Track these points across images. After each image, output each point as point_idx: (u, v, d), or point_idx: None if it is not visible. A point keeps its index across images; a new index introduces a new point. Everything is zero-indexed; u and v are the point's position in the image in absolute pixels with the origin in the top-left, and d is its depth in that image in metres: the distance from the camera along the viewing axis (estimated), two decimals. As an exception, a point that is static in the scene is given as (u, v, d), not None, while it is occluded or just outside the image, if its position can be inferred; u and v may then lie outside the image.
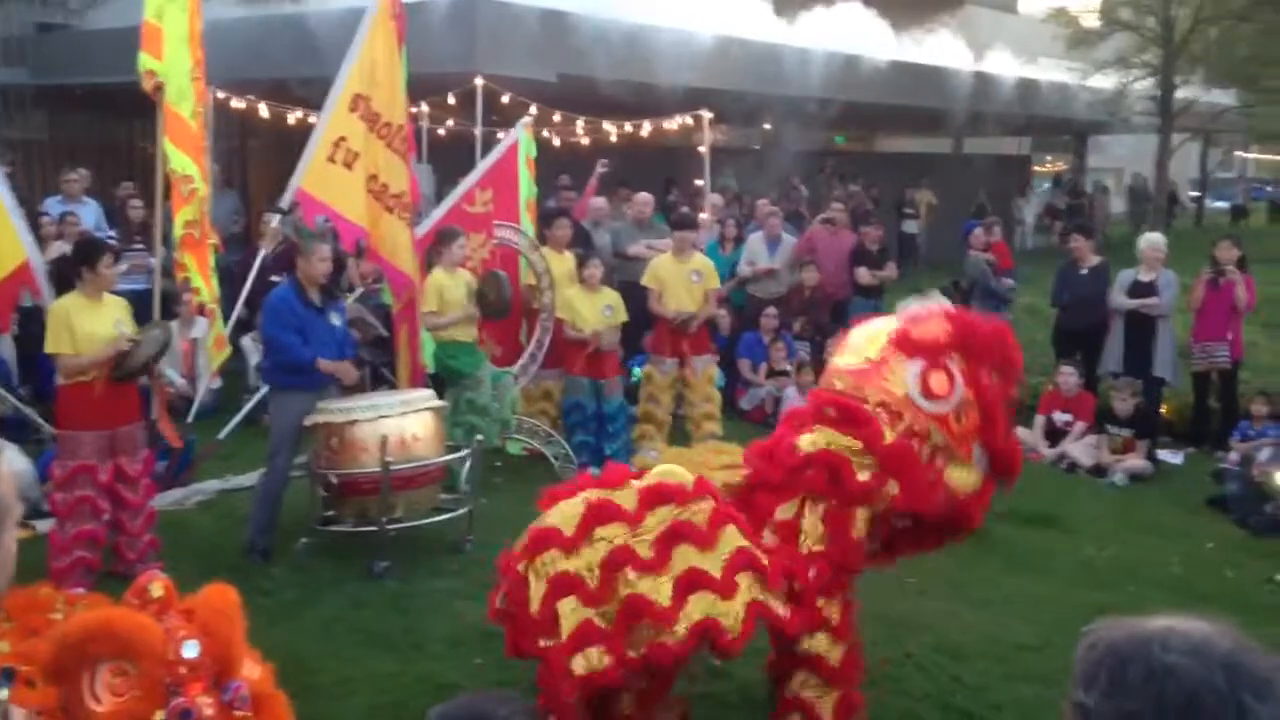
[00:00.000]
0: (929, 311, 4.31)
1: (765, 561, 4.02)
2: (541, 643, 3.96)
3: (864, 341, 4.38)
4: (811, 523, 4.18)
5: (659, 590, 3.88)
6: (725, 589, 3.90)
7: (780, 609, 4.03)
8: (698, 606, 3.87)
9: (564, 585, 3.95)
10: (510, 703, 1.44)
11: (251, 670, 3.81)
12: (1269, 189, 39.57)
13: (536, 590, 4.00)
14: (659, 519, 4.00)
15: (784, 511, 4.24)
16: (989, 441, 4.26)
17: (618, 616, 3.90)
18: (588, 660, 3.86)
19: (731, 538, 4.00)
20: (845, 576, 4.23)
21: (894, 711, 4.75)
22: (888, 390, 4.16)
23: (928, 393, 4.13)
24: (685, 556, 3.93)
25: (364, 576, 6.19)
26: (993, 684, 5.02)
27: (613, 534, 3.99)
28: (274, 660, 4.05)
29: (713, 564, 3.93)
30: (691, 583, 3.89)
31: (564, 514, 4.10)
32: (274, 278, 8.20)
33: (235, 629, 3.78)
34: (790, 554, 4.15)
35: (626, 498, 4.08)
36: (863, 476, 4.11)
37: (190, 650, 3.56)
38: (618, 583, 3.91)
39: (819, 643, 4.18)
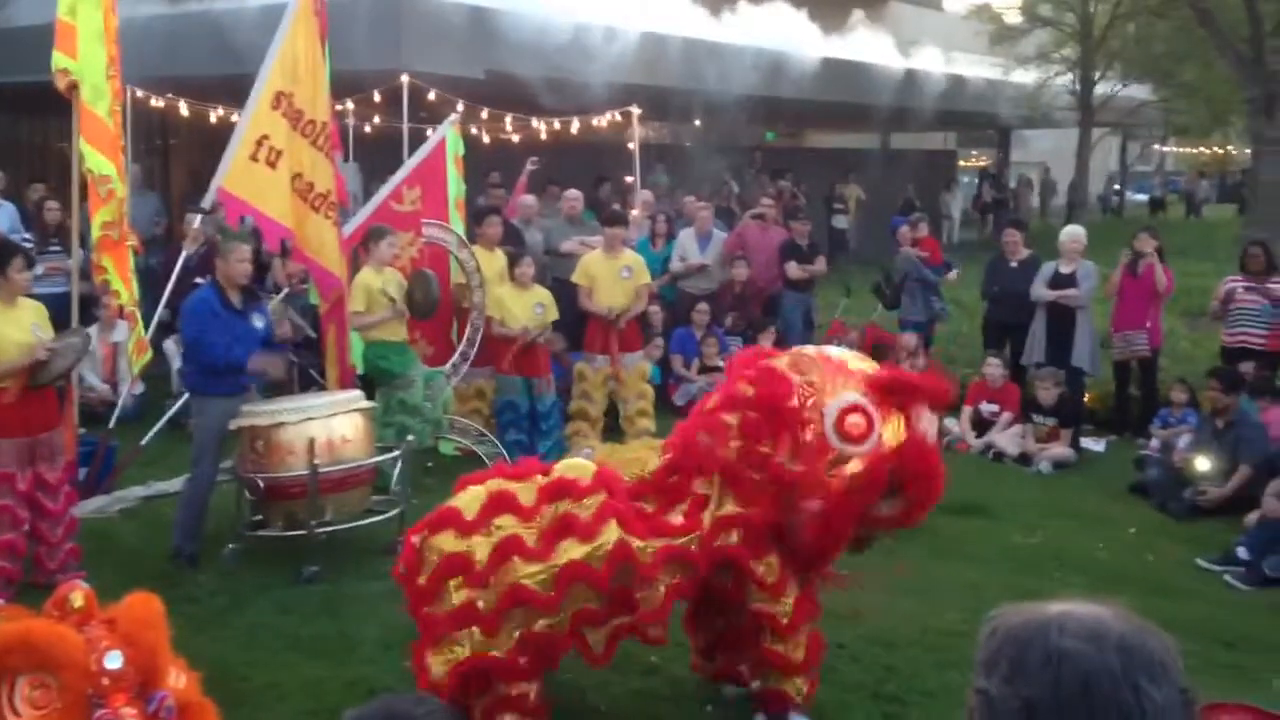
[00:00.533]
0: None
1: (645, 551, 4.19)
2: (425, 610, 4.25)
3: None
4: (721, 489, 4.29)
5: (543, 579, 4.14)
6: (600, 580, 4.14)
7: (655, 597, 4.20)
8: (577, 595, 4.14)
9: (455, 565, 4.20)
10: (427, 703, 1.43)
11: (177, 679, 3.75)
12: (1183, 182, 40.58)
13: (429, 564, 4.26)
14: (553, 513, 4.25)
15: (702, 488, 4.35)
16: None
17: (499, 601, 4.14)
18: (470, 639, 4.14)
19: (611, 531, 4.18)
20: (766, 536, 4.26)
21: (828, 703, 4.79)
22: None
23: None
24: (568, 550, 4.16)
25: (293, 581, 6.10)
26: (924, 671, 5.09)
27: (508, 524, 4.23)
28: (201, 668, 3.98)
29: (591, 555, 4.15)
30: (572, 574, 4.13)
31: (468, 499, 4.35)
32: (198, 280, 8.04)
33: (159, 638, 3.72)
34: (690, 526, 4.28)
35: (527, 491, 4.32)
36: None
37: (113, 661, 3.50)
38: (504, 570, 4.15)
39: (764, 601, 4.34)
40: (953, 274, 11.47)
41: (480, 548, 4.21)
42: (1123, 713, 1.09)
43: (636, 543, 4.19)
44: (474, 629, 4.17)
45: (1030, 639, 1.15)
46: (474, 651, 4.17)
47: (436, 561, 4.26)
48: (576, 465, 4.51)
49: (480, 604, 4.16)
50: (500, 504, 4.30)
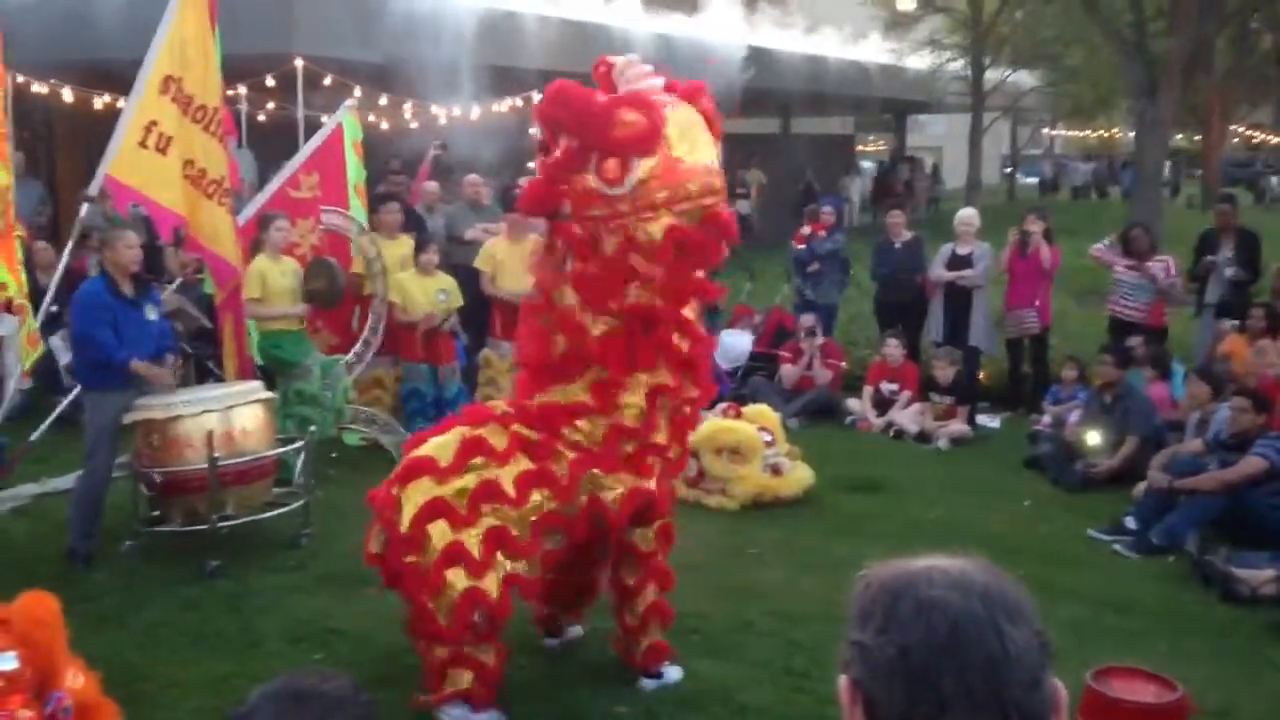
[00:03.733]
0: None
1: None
2: (408, 558, 4.27)
3: None
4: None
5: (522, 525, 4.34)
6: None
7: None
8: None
9: (435, 510, 4.28)
10: (335, 679, 1.42)
11: (75, 679, 3.67)
12: (1069, 165, 41.77)
13: (408, 512, 4.30)
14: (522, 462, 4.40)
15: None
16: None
17: (482, 544, 4.27)
18: (457, 577, 4.22)
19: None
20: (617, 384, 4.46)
21: (737, 678, 4.87)
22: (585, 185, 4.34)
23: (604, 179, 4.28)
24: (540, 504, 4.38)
25: (195, 577, 5.97)
26: (829, 644, 5.11)
27: (483, 466, 4.37)
28: (100, 668, 3.89)
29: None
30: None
31: (438, 445, 4.45)
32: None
33: (55, 638, 3.63)
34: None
35: (496, 436, 4.44)
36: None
37: (7, 662, 3.40)
38: (483, 512, 4.30)
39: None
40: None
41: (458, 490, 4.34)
42: (988, 652, 1.18)
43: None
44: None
45: (901, 591, 1.24)
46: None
47: (416, 509, 4.31)
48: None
49: (469, 544, 4.28)
50: (475, 449, 4.41)
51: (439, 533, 4.26)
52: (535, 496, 4.38)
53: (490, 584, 4.26)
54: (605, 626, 5.08)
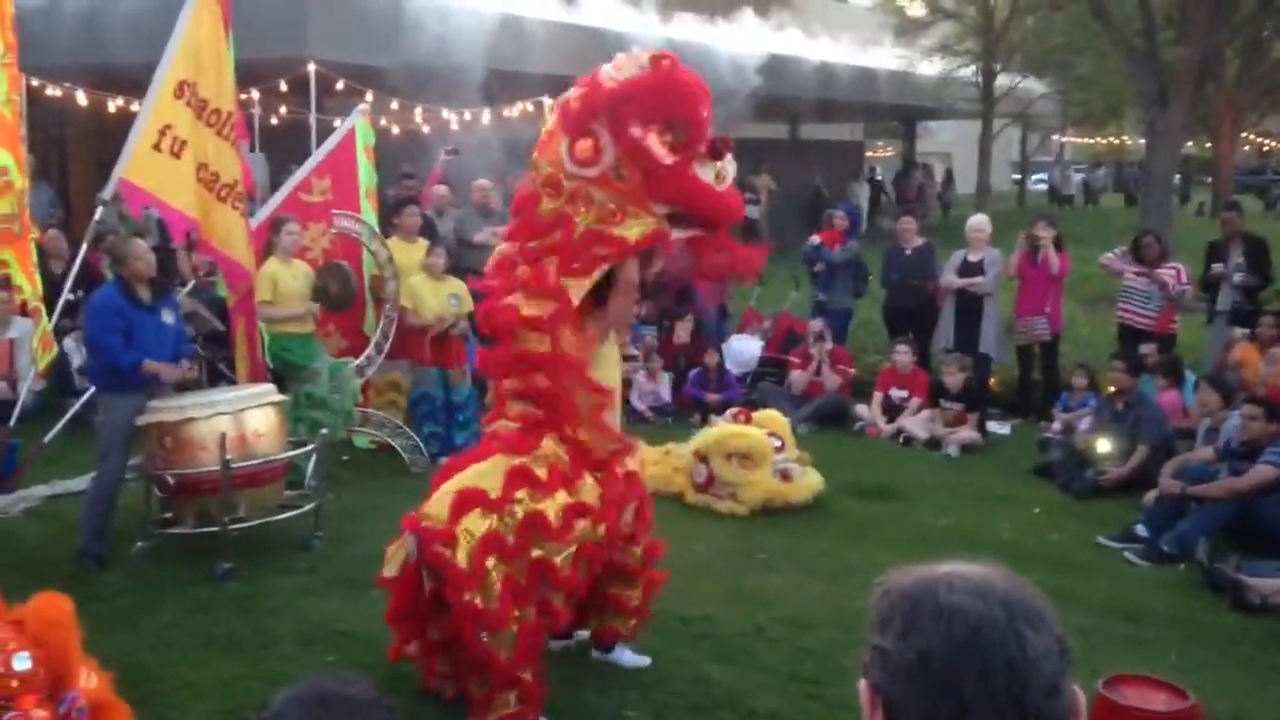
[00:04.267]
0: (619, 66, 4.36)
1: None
2: (468, 596, 4.15)
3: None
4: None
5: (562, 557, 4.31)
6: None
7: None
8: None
9: (492, 544, 4.21)
10: (357, 683, 1.43)
11: (89, 680, 3.69)
12: (1080, 172, 41.67)
13: (465, 546, 4.19)
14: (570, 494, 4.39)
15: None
16: (663, 194, 4.34)
17: (528, 575, 4.26)
18: (523, 614, 4.22)
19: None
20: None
21: (746, 683, 4.87)
22: (552, 161, 4.36)
23: (575, 160, 4.29)
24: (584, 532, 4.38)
25: (206, 579, 6.00)
26: (839, 651, 5.19)
27: (529, 498, 4.32)
28: (112, 669, 3.92)
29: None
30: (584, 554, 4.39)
31: (481, 474, 4.36)
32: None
33: (69, 638, 3.65)
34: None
35: (540, 466, 4.39)
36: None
37: (21, 662, 3.43)
38: (530, 543, 4.27)
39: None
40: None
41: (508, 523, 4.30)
42: (1008, 658, 1.19)
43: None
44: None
45: (921, 597, 1.24)
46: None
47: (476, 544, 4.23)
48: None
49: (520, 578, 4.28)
50: (521, 480, 4.36)
51: (495, 567, 4.20)
52: (579, 526, 4.38)
53: (532, 613, 4.30)
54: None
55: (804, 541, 6.90)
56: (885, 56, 24.07)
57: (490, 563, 4.18)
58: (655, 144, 4.22)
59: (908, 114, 30.00)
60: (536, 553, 4.26)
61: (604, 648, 5.05)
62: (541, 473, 4.36)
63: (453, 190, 11.09)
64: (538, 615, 4.32)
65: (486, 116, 12.22)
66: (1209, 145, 27.50)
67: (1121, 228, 19.57)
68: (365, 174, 8.94)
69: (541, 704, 4.40)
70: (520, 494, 4.29)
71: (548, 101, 11.76)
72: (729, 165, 4.44)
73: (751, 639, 5.36)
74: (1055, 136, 42.92)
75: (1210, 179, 27.46)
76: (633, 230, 4.33)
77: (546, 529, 4.27)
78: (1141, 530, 6.95)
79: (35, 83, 10.54)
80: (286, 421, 6.82)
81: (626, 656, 5.04)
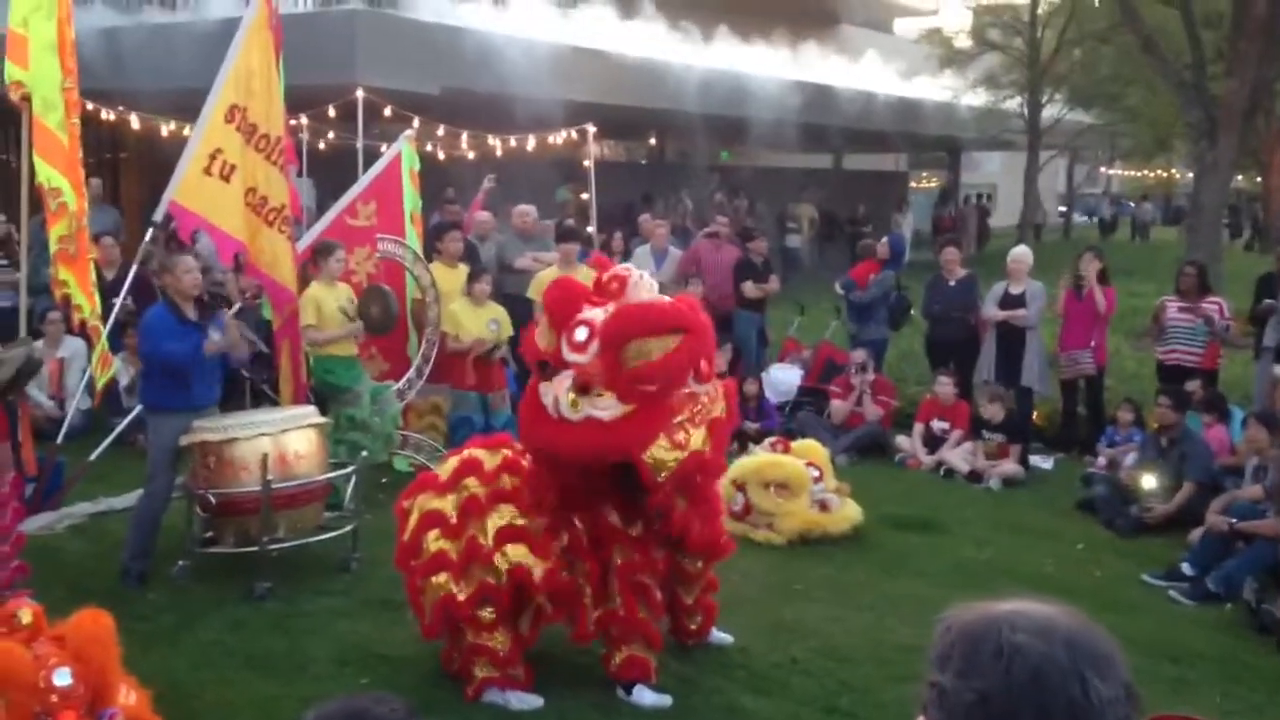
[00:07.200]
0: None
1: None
2: (411, 563, 4.93)
3: None
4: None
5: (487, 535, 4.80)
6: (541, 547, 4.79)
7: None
8: (515, 553, 4.75)
9: (432, 520, 4.89)
10: (388, 702, 1.43)
11: (128, 696, 3.72)
12: (1132, 205, 41.31)
13: (412, 521, 4.96)
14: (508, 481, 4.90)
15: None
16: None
17: (461, 553, 4.79)
18: (439, 581, 4.77)
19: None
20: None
21: (781, 715, 4.83)
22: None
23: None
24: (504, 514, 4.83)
25: (245, 598, 6.04)
26: (876, 685, 5.14)
27: (473, 485, 4.89)
28: (151, 686, 3.95)
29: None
30: (511, 534, 4.78)
31: (445, 466, 5.13)
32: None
33: (109, 655, 3.69)
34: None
35: (491, 459, 4.98)
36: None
37: (62, 678, 3.46)
38: (468, 526, 4.82)
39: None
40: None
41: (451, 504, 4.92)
42: (1071, 703, 1.14)
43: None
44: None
45: (983, 634, 1.20)
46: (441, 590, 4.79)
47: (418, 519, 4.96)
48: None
49: (451, 554, 4.82)
50: (467, 468, 4.97)
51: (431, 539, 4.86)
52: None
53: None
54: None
55: (842, 573, 6.85)
56: (930, 87, 24.03)
57: (429, 536, 4.84)
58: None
59: (952, 145, 29.91)
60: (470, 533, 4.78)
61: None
62: (491, 464, 4.95)
63: (495, 215, 11.18)
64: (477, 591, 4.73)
65: (531, 143, 12.32)
66: (1259, 179, 27.17)
67: (1168, 261, 19.35)
68: (410, 199, 9.04)
69: (513, 669, 4.82)
70: (466, 481, 4.90)
71: (591, 129, 11.87)
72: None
73: (787, 671, 5.32)
74: (1103, 169, 42.59)
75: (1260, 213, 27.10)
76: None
77: (480, 510, 4.81)
78: (1187, 568, 6.83)
79: (91, 106, 10.75)
80: (327, 443, 6.87)
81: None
